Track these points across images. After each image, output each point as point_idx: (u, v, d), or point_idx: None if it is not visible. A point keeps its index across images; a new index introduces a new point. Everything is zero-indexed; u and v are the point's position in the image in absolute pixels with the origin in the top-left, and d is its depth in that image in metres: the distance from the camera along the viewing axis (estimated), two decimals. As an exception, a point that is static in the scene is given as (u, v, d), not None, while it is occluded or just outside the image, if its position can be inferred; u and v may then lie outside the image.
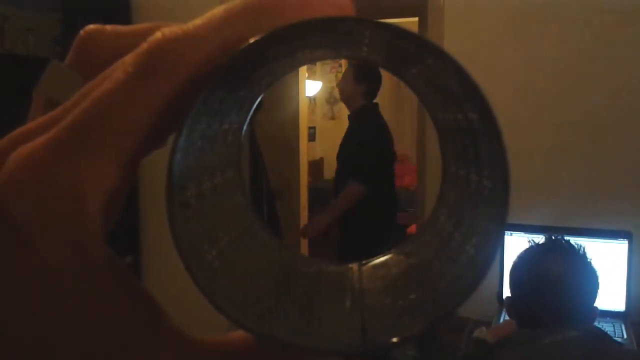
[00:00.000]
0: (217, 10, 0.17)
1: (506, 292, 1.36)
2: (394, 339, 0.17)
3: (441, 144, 0.21)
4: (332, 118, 6.23)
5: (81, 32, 0.19)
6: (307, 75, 4.26)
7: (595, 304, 1.27)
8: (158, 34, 0.16)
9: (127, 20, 2.60)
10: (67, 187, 0.16)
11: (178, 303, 1.07)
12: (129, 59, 0.16)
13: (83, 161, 0.16)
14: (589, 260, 1.28)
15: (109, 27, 0.19)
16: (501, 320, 1.84)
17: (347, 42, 0.18)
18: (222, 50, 0.17)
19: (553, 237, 1.35)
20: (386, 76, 3.04)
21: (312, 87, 5.20)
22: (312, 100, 5.70)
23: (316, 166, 5.87)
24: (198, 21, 0.17)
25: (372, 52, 0.19)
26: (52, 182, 0.16)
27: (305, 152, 3.78)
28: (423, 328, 0.17)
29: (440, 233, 0.20)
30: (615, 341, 1.31)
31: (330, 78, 5.67)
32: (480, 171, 0.18)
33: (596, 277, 1.27)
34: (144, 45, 0.16)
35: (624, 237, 1.87)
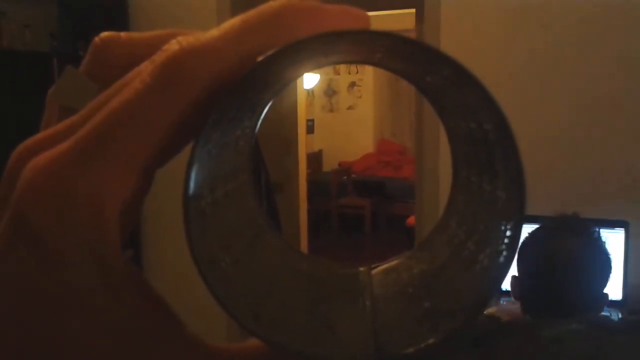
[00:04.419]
0: (234, 21, 0.17)
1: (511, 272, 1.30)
2: (410, 349, 0.17)
3: (452, 150, 0.20)
4: (331, 110, 6.19)
5: (96, 39, 0.19)
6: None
7: (605, 291, 1.16)
8: (175, 45, 0.16)
9: (123, 15, 2.59)
10: (85, 196, 0.16)
11: (178, 296, 1.07)
12: (146, 68, 0.16)
13: (101, 171, 0.16)
14: (603, 242, 1.17)
15: (123, 34, 0.19)
16: (502, 300, 1.83)
17: (362, 49, 0.18)
18: (239, 62, 0.16)
19: (566, 215, 1.26)
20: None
21: (310, 79, 5.18)
22: (311, 92, 5.67)
23: (315, 158, 5.83)
24: (215, 32, 0.17)
25: (386, 59, 0.19)
26: (70, 192, 0.16)
27: (304, 144, 3.77)
28: (439, 339, 0.17)
29: (452, 240, 0.20)
30: (622, 334, 1.20)
31: (328, 70, 5.65)
32: (494, 181, 0.17)
33: (609, 261, 1.16)
34: (161, 55, 0.16)
35: (620, 226, 1.87)
